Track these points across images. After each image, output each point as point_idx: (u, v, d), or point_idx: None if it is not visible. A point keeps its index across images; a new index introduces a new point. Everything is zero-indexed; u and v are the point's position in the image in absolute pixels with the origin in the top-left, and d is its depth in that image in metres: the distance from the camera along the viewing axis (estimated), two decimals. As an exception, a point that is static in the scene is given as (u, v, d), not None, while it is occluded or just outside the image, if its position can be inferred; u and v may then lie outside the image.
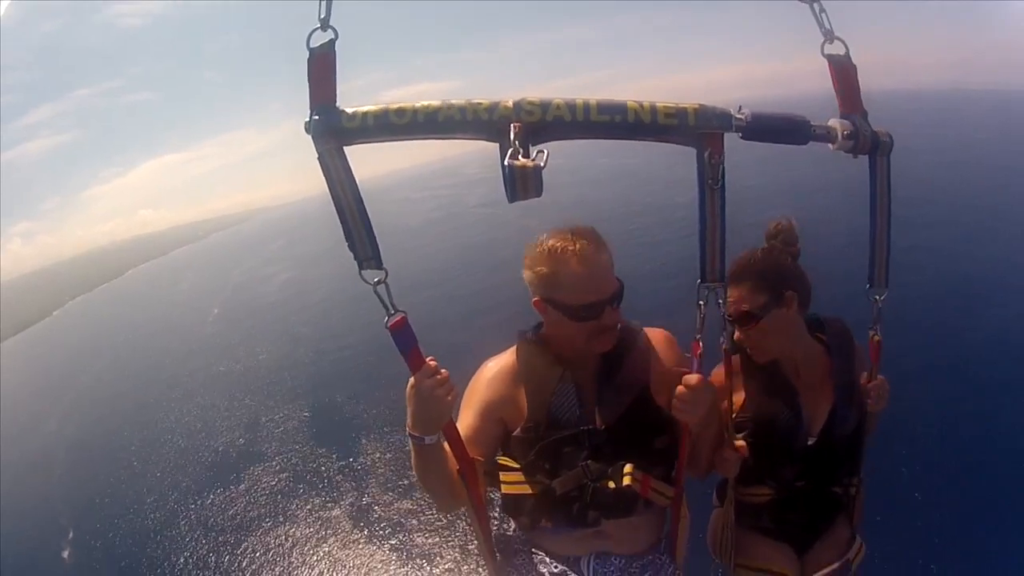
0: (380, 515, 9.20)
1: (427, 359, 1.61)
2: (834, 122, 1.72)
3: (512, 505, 1.96)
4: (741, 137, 1.62)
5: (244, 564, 9.07)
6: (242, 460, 12.23)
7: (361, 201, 1.51)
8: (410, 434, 1.68)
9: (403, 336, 1.56)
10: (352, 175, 1.50)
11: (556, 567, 2.00)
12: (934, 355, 9.41)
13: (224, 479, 11.59)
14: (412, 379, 1.60)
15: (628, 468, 1.84)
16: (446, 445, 1.75)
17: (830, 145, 1.72)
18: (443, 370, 1.62)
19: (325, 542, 9.01)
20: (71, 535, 10.97)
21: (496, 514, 2.10)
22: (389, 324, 1.54)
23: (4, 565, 10.14)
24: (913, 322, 9.82)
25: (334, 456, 11.23)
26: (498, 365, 1.99)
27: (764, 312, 2.07)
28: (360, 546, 8.69)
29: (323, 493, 10.19)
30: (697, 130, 1.58)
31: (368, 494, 9.77)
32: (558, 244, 1.79)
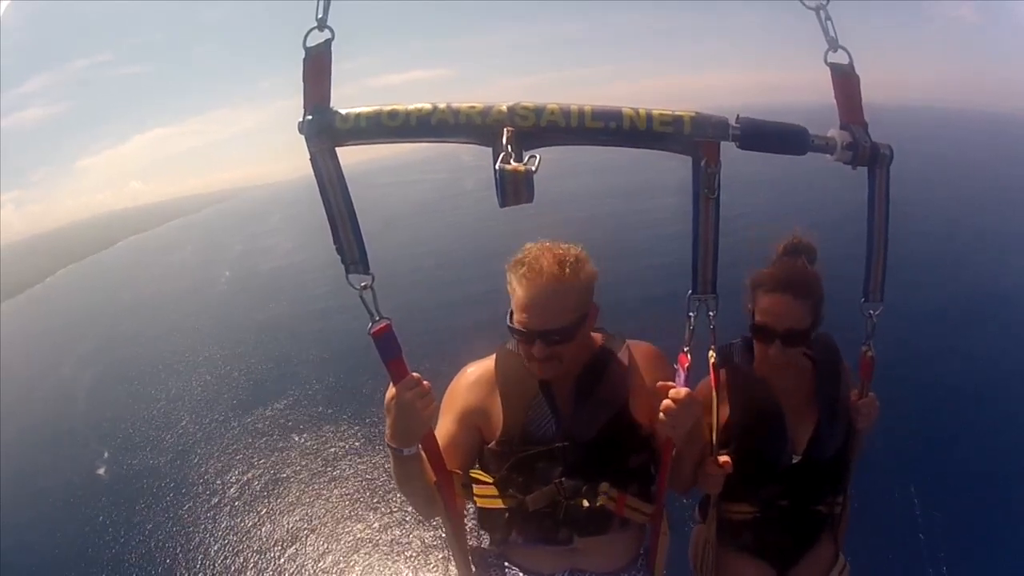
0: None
1: (410, 372, 1.59)
2: (833, 132, 1.70)
3: (485, 519, 1.96)
4: (738, 146, 1.59)
5: (294, 459, 9.82)
6: (278, 384, 12.84)
7: (351, 204, 1.50)
8: (388, 445, 1.67)
9: (386, 344, 1.54)
10: (343, 177, 1.49)
11: None
12: (927, 373, 9.40)
13: (263, 399, 12.21)
14: (392, 389, 1.58)
15: (603, 487, 1.83)
16: (424, 456, 1.73)
17: (829, 156, 1.70)
18: (425, 382, 1.60)
19: (370, 445, 9.67)
20: (105, 455, 11.33)
21: (473, 525, 2.10)
22: (372, 331, 1.52)
23: (39, 487, 10.57)
24: (907, 338, 9.81)
25: (366, 376, 11.50)
26: (477, 372, 1.96)
27: (812, 333, 2.03)
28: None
29: (362, 407, 10.75)
30: (693, 138, 1.55)
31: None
32: (525, 256, 1.76)
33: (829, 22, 1.65)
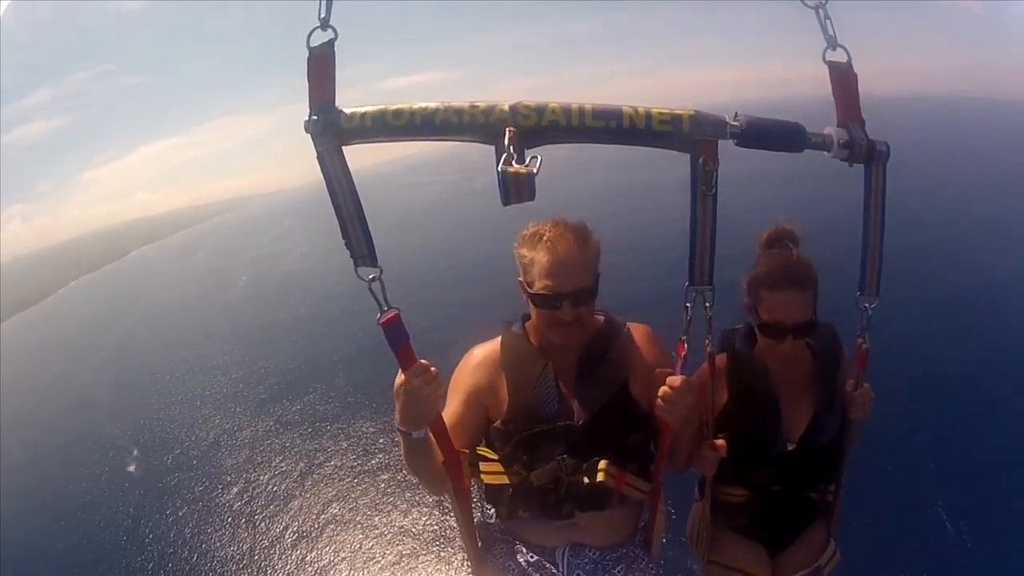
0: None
1: (418, 359, 1.63)
2: (830, 130, 1.72)
3: (491, 494, 2.03)
4: (736, 144, 1.62)
5: (329, 445, 10.03)
6: (304, 381, 12.96)
7: (358, 200, 1.54)
8: (398, 428, 1.74)
9: (395, 333, 1.59)
10: (350, 175, 1.52)
11: (532, 557, 2.06)
12: (924, 366, 9.30)
13: (291, 393, 12.41)
14: (400, 376, 1.63)
15: (603, 464, 1.89)
16: (432, 438, 1.80)
17: (826, 153, 1.73)
18: (432, 368, 1.65)
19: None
20: (135, 452, 11.50)
21: (480, 502, 2.17)
22: (381, 321, 1.57)
23: (68, 485, 10.72)
24: (904, 332, 9.69)
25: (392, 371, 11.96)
26: (483, 353, 2.04)
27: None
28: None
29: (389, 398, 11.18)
30: (692, 137, 1.58)
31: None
32: (539, 230, 1.86)
33: (828, 21, 1.68)
